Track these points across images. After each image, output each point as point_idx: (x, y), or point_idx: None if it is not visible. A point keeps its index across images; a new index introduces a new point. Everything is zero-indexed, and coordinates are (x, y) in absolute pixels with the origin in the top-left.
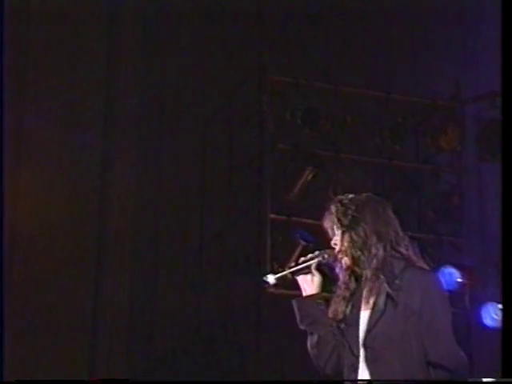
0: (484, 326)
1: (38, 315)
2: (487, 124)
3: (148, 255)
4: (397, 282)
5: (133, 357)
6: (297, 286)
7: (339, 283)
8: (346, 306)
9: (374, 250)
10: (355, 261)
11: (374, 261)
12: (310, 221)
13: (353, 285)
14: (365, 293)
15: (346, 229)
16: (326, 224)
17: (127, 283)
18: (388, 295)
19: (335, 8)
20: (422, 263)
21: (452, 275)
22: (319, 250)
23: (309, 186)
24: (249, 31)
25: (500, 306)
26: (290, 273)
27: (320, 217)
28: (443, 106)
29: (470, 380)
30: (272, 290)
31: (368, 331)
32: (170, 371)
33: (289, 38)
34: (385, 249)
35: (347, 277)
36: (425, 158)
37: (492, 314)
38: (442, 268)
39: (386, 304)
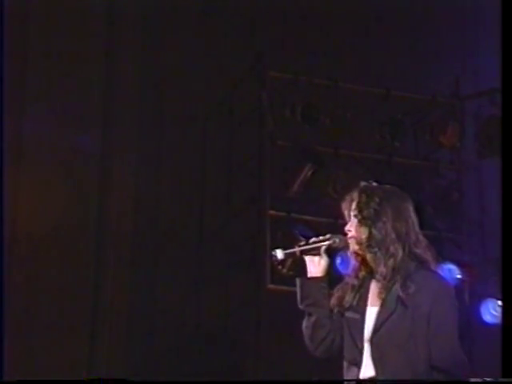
0: (483, 323)
1: (38, 315)
2: (487, 120)
3: (148, 254)
4: (409, 283)
5: (132, 357)
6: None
7: (348, 270)
8: (354, 296)
9: (392, 249)
10: (370, 255)
11: (391, 260)
12: (309, 217)
13: (362, 273)
14: (376, 289)
15: (365, 221)
16: (345, 208)
17: (127, 283)
18: (399, 296)
19: (335, 5)
20: (435, 266)
21: (451, 271)
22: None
23: (308, 182)
24: (248, 28)
25: (499, 302)
26: (299, 251)
27: (320, 213)
28: (443, 103)
29: (470, 380)
30: (272, 286)
31: (375, 329)
32: (170, 371)
33: (288, 35)
34: (403, 250)
35: (357, 265)
36: (424, 155)
37: (491, 311)
38: (442, 264)
39: (396, 304)
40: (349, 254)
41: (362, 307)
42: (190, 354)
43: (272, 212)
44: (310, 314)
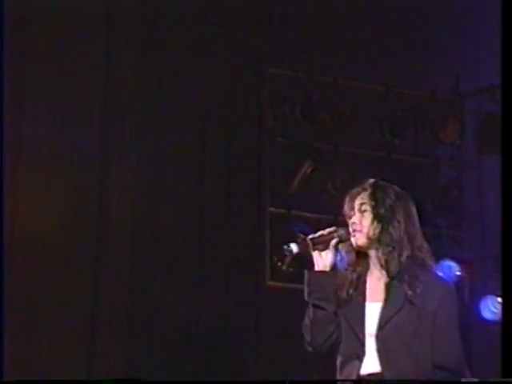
0: (483, 320)
1: (38, 315)
2: (487, 117)
3: (148, 252)
4: (417, 283)
5: (132, 357)
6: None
7: (346, 264)
8: (352, 290)
9: (404, 250)
10: (380, 252)
11: (402, 259)
12: (309, 214)
13: (359, 269)
14: (378, 285)
15: (380, 216)
16: (350, 200)
17: (127, 283)
18: (407, 295)
19: (335, 2)
20: (436, 269)
21: (451, 268)
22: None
23: (308, 179)
24: (248, 25)
25: (499, 299)
26: (312, 245)
27: (319, 210)
28: (443, 100)
29: (471, 380)
30: (271, 283)
31: (381, 324)
32: (170, 371)
33: (288, 32)
34: (412, 251)
35: (355, 259)
36: (424, 152)
37: (491, 308)
38: (441, 261)
39: (403, 302)
40: (345, 247)
41: (360, 302)
42: (190, 353)
43: (272, 209)
44: (319, 308)
